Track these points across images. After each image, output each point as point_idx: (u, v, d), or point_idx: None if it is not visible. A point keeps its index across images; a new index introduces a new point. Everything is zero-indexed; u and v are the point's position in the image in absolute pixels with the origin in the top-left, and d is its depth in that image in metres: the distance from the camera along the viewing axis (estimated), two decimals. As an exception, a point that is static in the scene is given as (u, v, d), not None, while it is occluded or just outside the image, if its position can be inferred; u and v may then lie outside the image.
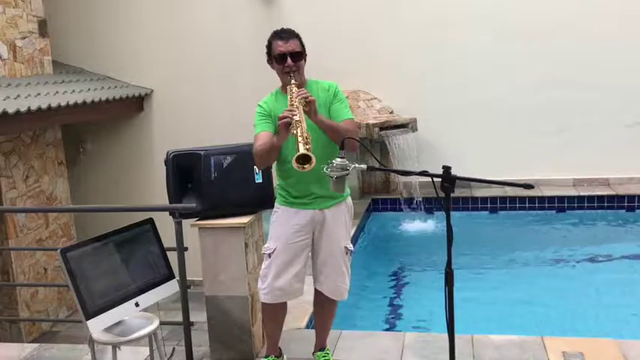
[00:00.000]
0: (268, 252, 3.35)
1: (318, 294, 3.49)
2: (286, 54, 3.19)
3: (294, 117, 2.94)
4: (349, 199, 3.43)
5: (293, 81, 3.17)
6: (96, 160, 8.61)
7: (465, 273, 4.76)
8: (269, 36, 3.30)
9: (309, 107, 3.03)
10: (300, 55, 3.24)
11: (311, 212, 3.29)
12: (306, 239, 3.33)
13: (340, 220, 3.36)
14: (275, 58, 3.25)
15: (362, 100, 7.51)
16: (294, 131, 2.92)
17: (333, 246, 3.34)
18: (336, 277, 3.39)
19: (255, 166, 3.54)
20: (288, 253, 3.31)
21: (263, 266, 3.40)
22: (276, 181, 3.48)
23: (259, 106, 3.32)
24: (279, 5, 7.79)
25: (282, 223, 3.34)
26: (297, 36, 3.27)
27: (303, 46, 3.28)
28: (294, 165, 2.86)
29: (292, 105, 3.01)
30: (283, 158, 3.23)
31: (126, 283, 3.17)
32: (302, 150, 2.84)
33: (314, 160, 2.84)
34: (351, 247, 3.45)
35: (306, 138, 2.89)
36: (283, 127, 2.98)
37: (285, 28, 3.30)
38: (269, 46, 3.29)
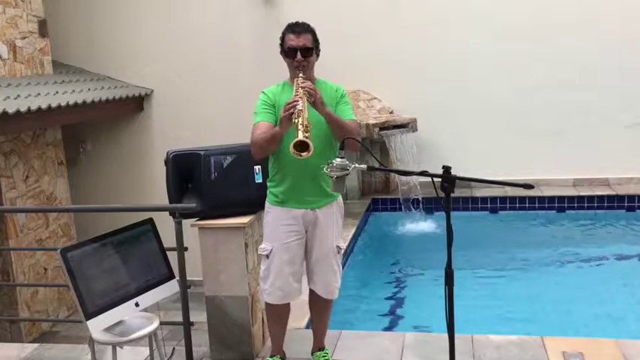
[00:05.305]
0: (265, 253, 3.34)
1: (312, 293, 3.49)
2: (297, 49, 3.19)
3: (297, 106, 2.93)
4: (340, 199, 3.42)
5: (301, 74, 3.16)
6: (96, 160, 8.61)
7: (465, 273, 4.76)
8: (284, 28, 3.30)
9: (314, 98, 3.02)
10: (310, 51, 3.23)
11: (302, 212, 3.28)
12: (301, 239, 3.32)
13: (332, 219, 3.36)
14: (286, 52, 3.25)
15: (362, 100, 7.50)
16: (295, 120, 2.91)
17: (327, 245, 3.34)
18: (328, 276, 3.39)
19: (255, 166, 3.54)
20: (285, 252, 3.31)
21: (262, 267, 3.40)
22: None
23: (264, 93, 3.31)
24: (279, 5, 7.78)
25: (276, 223, 3.32)
26: (311, 31, 3.27)
27: (316, 41, 3.27)
28: (291, 151, 2.85)
29: (297, 95, 3.01)
30: (280, 150, 3.20)
31: (126, 283, 3.16)
32: (300, 137, 2.83)
33: (312, 148, 2.84)
34: (342, 245, 3.46)
35: (306, 126, 2.88)
36: (287, 117, 2.97)
37: (299, 21, 3.31)
38: (282, 38, 3.29)
